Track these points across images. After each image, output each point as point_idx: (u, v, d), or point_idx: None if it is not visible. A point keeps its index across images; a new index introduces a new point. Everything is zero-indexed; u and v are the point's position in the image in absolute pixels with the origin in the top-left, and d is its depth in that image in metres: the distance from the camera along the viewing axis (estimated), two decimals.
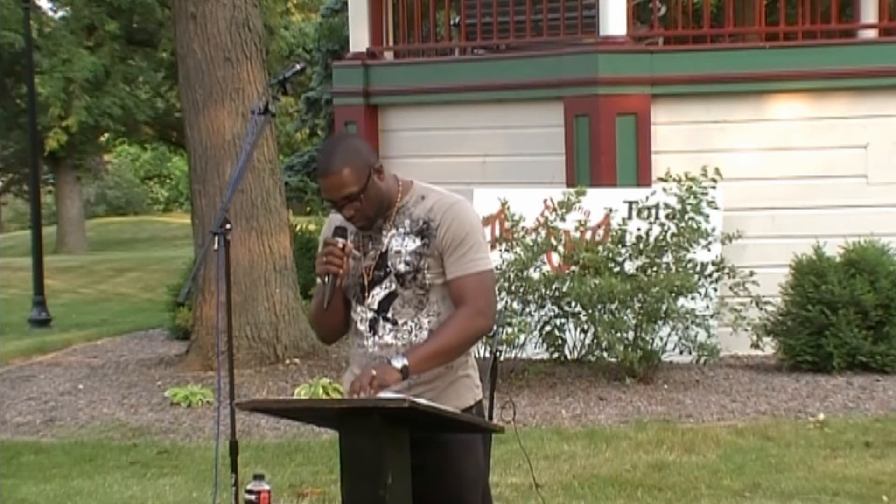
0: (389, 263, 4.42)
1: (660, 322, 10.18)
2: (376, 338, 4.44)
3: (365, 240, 4.47)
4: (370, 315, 4.45)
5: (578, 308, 10.23)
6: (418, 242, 4.40)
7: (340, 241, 4.39)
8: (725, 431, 8.91)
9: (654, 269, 10.28)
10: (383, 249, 4.44)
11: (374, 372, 4.24)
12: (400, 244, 4.42)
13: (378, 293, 4.44)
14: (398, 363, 4.28)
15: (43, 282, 17.44)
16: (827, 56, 11.78)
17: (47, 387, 11.30)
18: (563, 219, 10.53)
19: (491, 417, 4.93)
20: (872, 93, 11.67)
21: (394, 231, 4.44)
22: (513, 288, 10.19)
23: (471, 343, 4.45)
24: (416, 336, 4.40)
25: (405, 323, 4.42)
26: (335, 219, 4.54)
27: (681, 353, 10.37)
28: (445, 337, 4.34)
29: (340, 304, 4.50)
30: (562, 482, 7.76)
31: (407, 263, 4.40)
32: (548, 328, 10.38)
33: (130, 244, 34.57)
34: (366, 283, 4.45)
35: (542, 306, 10.31)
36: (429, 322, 4.41)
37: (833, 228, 11.17)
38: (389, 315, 4.43)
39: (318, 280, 4.54)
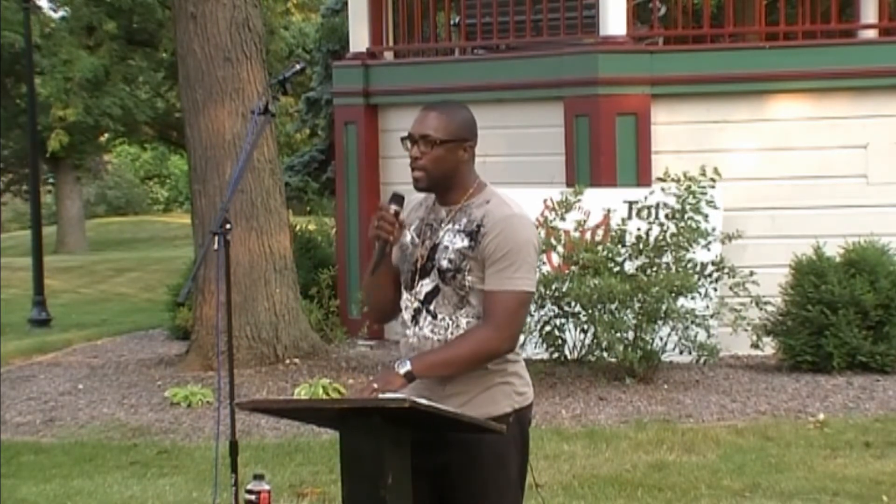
0: (437, 257, 4.34)
1: (660, 322, 10.18)
2: (417, 328, 4.37)
3: (426, 228, 4.39)
4: (415, 305, 4.38)
5: (578, 308, 10.23)
6: (465, 242, 4.31)
7: (393, 207, 4.29)
8: (725, 431, 8.90)
9: (654, 269, 10.28)
10: (437, 241, 4.35)
11: (375, 385, 4.21)
12: (450, 240, 4.33)
13: (426, 284, 4.36)
14: (402, 369, 4.24)
15: (43, 282, 17.44)
16: (827, 56, 11.78)
17: (47, 387, 11.29)
18: (562, 219, 10.52)
19: None
20: (872, 93, 11.67)
21: (450, 226, 4.35)
22: None
23: (483, 361, 4.29)
24: (452, 333, 4.31)
25: (444, 318, 4.33)
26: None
27: (681, 353, 10.37)
28: (456, 349, 4.26)
29: (388, 281, 4.42)
30: (562, 482, 7.76)
31: (450, 261, 4.31)
32: (548, 328, 10.37)
33: (130, 244, 34.54)
34: (417, 271, 4.37)
35: (542, 306, 10.30)
36: (467, 322, 4.31)
37: (833, 228, 11.17)
38: (432, 308, 4.35)
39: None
